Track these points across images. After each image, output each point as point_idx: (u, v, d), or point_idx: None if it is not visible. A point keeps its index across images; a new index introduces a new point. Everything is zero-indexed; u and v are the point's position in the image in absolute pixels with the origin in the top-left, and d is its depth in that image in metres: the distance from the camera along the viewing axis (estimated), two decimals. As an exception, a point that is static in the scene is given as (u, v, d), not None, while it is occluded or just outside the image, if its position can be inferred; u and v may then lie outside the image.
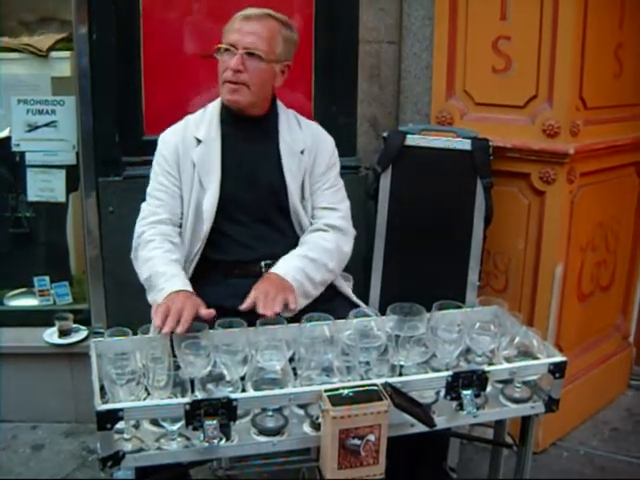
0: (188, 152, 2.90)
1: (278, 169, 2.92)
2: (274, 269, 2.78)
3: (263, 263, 2.90)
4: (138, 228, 2.91)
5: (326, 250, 2.89)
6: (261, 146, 2.96)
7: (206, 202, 2.87)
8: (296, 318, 2.52)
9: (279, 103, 3.04)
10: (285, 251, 2.89)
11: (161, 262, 2.75)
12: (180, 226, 2.93)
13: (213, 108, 3.00)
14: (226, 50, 2.82)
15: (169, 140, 2.96)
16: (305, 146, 2.97)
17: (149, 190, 2.96)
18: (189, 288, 2.66)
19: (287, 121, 3.00)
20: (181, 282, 2.67)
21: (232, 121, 2.94)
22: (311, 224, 2.98)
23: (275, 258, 2.88)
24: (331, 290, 3.00)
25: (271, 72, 2.88)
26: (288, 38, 2.91)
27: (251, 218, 2.92)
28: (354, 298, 3.06)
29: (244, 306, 2.58)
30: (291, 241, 2.95)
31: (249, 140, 2.95)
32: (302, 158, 2.95)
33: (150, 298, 2.71)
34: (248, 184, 2.91)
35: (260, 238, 2.91)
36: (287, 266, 2.79)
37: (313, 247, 2.88)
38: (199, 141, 2.91)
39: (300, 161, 2.95)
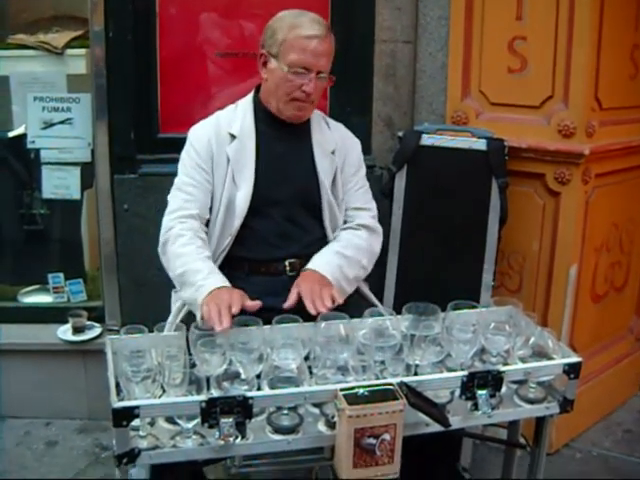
0: (222, 147, 2.90)
1: (311, 168, 2.95)
2: (311, 265, 2.83)
3: (287, 262, 2.92)
4: (166, 222, 2.87)
5: (359, 248, 2.96)
6: (294, 145, 2.97)
7: (239, 198, 2.87)
8: (312, 317, 2.52)
9: None
10: (308, 249, 2.93)
11: (196, 258, 2.74)
12: (207, 222, 2.93)
13: (246, 105, 3.00)
14: (296, 71, 2.80)
15: (202, 134, 2.95)
16: (336, 146, 3.01)
17: (178, 183, 2.93)
18: (228, 284, 2.67)
19: (317, 121, 3.04)
20: (220, 279, 2.68)
21: (266, 119, 2.95)
22: (344, 223, 3.04)
23: (299, 257, 2.92)
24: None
25: (325, 85, 2.98)
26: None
27: (280, 216, 2.92)
28: (372, 297, 3.09)
29: (288, 304, 2.62)
30: (314, 239, 2.98)
31: (282, 138, 2.96)
32: (333, 158, 2.99)
33: (186, 295, 2.70)
34: (281, 182, 2.92)
35: (286, 236, 2.92)
36: (324, 262, 2.84)
37: (347, 244, 2.93)
38: (233, 137, 2.91)
39: (332, 161, 2.98)
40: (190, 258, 2.74)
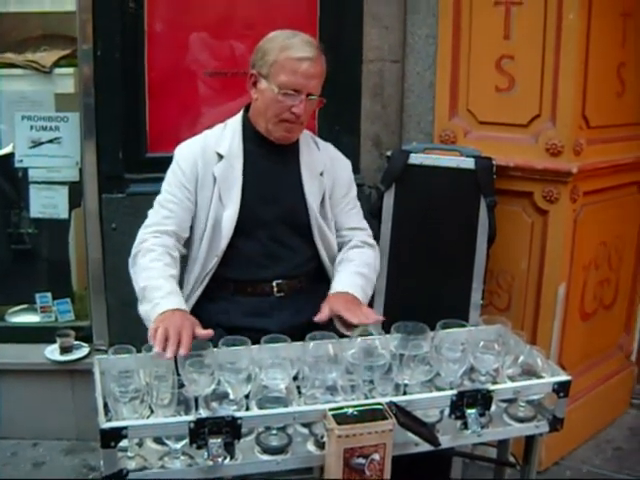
0: (209, 167, 2.88)
1: (299, 189, 2.93)
2: (339, 287, 2.84)
3: (275, 283, 2.90)
4: (141, 235, 2.85)
5: (370, 266, 2.99)
6: (282, 166, 2.96)
7: (225, 218, 2.85)
8: (300, 336, 2.50)
9: None
10: (297, 270, 2.94)
11: (159, 275, 2.70)
12: (186, 242, 2.92)
13: (235, 124, 2.98)
14: (286, 92, 2.78)
15: (188, 153, 2.92)
16: (324, 168, 3.00)
17: (160, 200, 2.91)
18: (184, 307, 2.63)
19: (306, 142, 3.02)
20: (177, 300, 2.63)
21: (255, 139, 2.94)
22: (343, 244, 3.05)
23: (287, 278, 2.91)
24: None
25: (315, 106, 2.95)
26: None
27: (267, 236, 2.90)
28: None
29: (319, 318, 2.65)
30: (303, 260, 2.97)
31: (271, 159, 2.94)
32: (321, 180, 2.98)
33: (142, 309, 2.67)
34: (268, 202, 2.90)
35: (273, 257, 2.90)
36: (349, 284, 2.84)
37: (361, 264, 2.95)
38: (221, 156, 2.89)
39: (320, 182, 2.97)
40: (154, 273, 2.70)
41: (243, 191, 2.88)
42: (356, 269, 2.92)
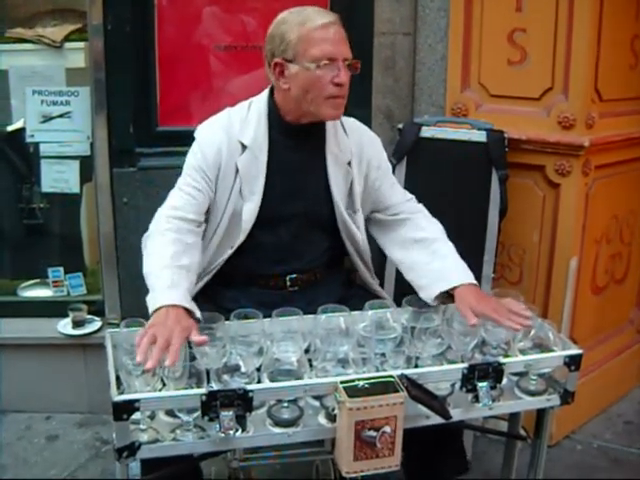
0: (232, 157, 2.73)
1: (325, 183, 2.80)
2: (463, 279, 2.64)
3: (288, 277, 2.81)
4: (158, 216, 2.71)
5: (439, 227, 2.90)
6: (308, 156, 2.81)
7: (246, 212, 2.74)
8: (312, 310, 2.50)
9: None
10: (311, 264, 2.86)
11: (163, 264, 2.52)
12: (200, 226, 2.75)
13: (259, 108, 2.79)
14: (323, 64, 2.58)
15: (213, 140, 2.75)
16: (352, 156, 2.83)
17: (180, 183, 2.76)
18: (185, 303, 2.40)
19: (333, 128, 2.82)
20: (177, 295, 2.41)
21: (281, 128, 2.76)
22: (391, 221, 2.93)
23: (302, 272, 2.83)
24: (346, 277, 3.02)
25: None
26: None
27: (288, 232, 2.79)
28: (374, 286, 3.01)
29: (473, 322, 2.43)
30: (320, 252, 2.88)
31: (296, 149, 2.79)
32: (349, 170, 2.82)
33: (148, 296, 2.50)
34: (291, 197, 2.78)
35: (291, 252, 2.79)
36: (462, 270, 2.69)
37: (443, 236, 2.86)
38: (244, 147, 2.74)
39: (347, 173, 2.82)
40: (160, 262, 2.54)
41: (266, 185, 2.74)
42: (449, 250, 2.77)
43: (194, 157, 2.76)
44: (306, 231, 2.82)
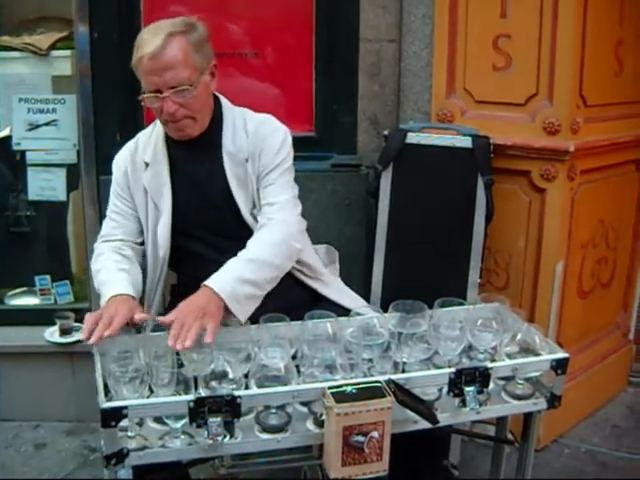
0: (138, 177, 2.87)
1: (226, 182, 2.81)
2: (209, 281, 2.54)
3: None
4: (95, 245, 2.94)
5: (267, 245, 2.69)
6: (207, 161, 2.83)
7: (160, 227, 2.83)
8: (299, 316, 2.50)
9: (224, 104, 2.90)
10: None
11: (107, 271, 2.74)
12: (136, 243, 2.91)
13: (158, 129, 2.89)
14: (148, 97, 2.66)
15: (119, 162, 2.94)
16: (248, 153, 2.81)
17: (107, 209, 2.96)
18: (129, 291, 2.61)
19: (232, 126, 2.84)
20: (120, 287, 2.62)
21: (175, 142, 2.83)
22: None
23: None
24: (310, 294, 2.96)
25: (204, 87, 2.73)
26: (199, 42, 2.70)
27: (211, 234, 2.84)
28: (340, 301, 2.93)
29: (163, 319, 2.43)
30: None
31: (195, 158, 2.84)
32: (247, 166, 2.81)
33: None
34: (200, 201, 2.83)
35: (225, 251, 2.72)
36: (223, 278, 2.57)
37: (250, 247, 2.69)
38: (147, 164, 2.86)
39: (246, 170, 2.81)
40: (103, 272, 2.75)
41: (174, 197, 2.82)
42: (242, 255, 2.66)
43: (113, 182, 2.94)
44: (226, 231, 2.84)
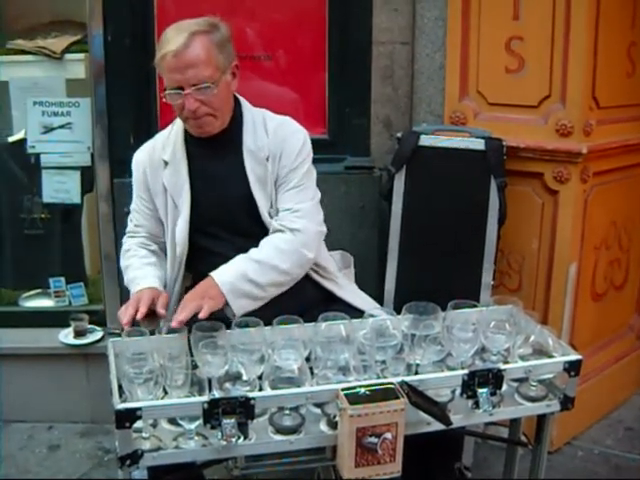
0: (157, 176, 2.91)
1: (246, 180, 2.84)
2: (214, 272, 2.69)
3: None
4: (123, 241, 3.04)
5: (278, 250, 2.75)
6: (227, 159, 2.88)
7: (179, 226, 2.86)
8: (313, 317, 2.50)
9: (244, 104, 2.94)
10: None
11: (133, 269, 2.86)
12: (160, 239, 2.99)
13: (178, 127, 2.93)
14: (169, 94, 2.72)
15: (137, 163, 2.98)
16: (269, 152, 2.84)
17: (131, 206, 3.04)
18: (153, 284, 2.75)
19: (252, 125, 2.88)
20: (145, 282, 2.76)
21: (195, 140, 2.88)
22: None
23: None
24: (324, 295, 2.98)
25: (225, 86, 2.78)
26: (221, 42, 2.76)
27: (229, 233, 2.86)
28: (354, 302, 2.95)
29: (174, 325, 2.52)
30: None
31: (214, 156, 2.88)
32: (267, 165, 2.84)
33: None
34: (218, 199, 2.86)
35: (241, 249, 2.77)
36: (225, 270, 2.69)
37: (261, 249, 2.76)
38: (166, 163, 2.89)
39: (266, 169, 2.84)
40: (130, 269, 2.88)
41: (193, 195, 2.86)
42: (249, 255, 2.74)
43: (133, 183, 2.99)
44: (245, 230, 2.87)
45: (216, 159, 2.87)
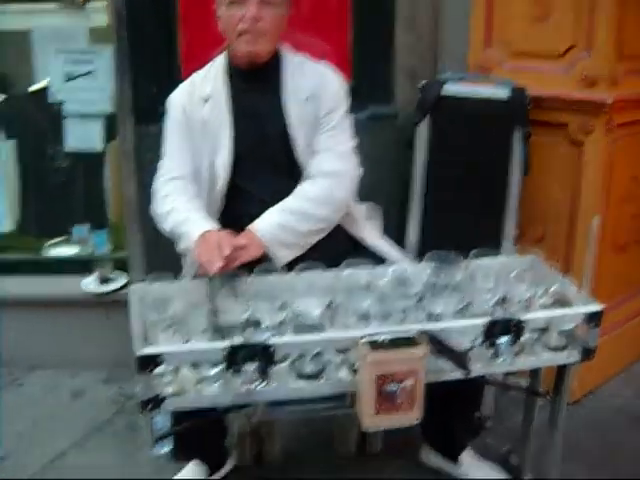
0: (196, 112, 2.89)
1: (285, 119, 2.86)
2: (252, 225, 2.72)
3: None
4: (155, 185, 2.96)
5: (310, 199, 2.78)
6: (267, 97, 2.89)
7: (219, 159, 2.86)
8: (338, 264, 2.52)
9: (285, 47, 2.98)
10: None
11: (181, 210, 2.78)
12: (195, 178, 2.94)
13: (219, 64, 2.96)
14: (231, 2, 2.77)
15: (176, 101, 2.96)
16: (310, 93, 2.87)
17: (163, 151, 2.98)
18: (215, 226, 2.70)
19: (292, 67, 2.92)
20: (206, 224, 2.69)
21: (238, 74, 2.91)
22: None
23: None
24: (351, 242, 2.99)
25: (283, 17, 2.85)
26: None
27: (267, 172, 2.87)
28: (379, 248, 2.97)
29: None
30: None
31: (256, 92, 2.90)
32: (307, 105, 2.87)
33: (181, 248, 2.75)
34: (259, 137, 2.87)
35: (279, 191, 2.81)
36: (262, 222, 2.73)
37: (295, 199, 2.79)
38: (206, 99, 2.90)
39: (305, 109, 2.86)
40: (176, 212, 2.79)
41: (233, 130, 2.86)
42: (283, 206, 2.77)
43: (168, 123, 2.97)
44: (284, 170, 2.89)
45: (257, 96, 2.89)
